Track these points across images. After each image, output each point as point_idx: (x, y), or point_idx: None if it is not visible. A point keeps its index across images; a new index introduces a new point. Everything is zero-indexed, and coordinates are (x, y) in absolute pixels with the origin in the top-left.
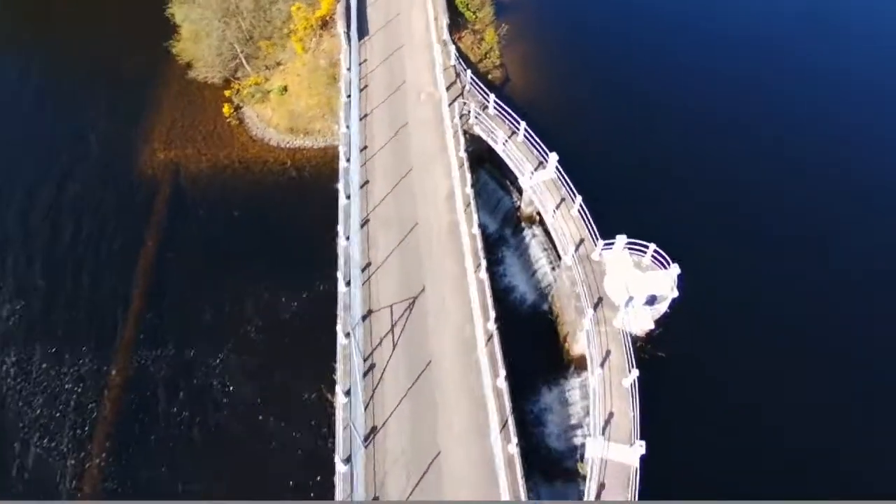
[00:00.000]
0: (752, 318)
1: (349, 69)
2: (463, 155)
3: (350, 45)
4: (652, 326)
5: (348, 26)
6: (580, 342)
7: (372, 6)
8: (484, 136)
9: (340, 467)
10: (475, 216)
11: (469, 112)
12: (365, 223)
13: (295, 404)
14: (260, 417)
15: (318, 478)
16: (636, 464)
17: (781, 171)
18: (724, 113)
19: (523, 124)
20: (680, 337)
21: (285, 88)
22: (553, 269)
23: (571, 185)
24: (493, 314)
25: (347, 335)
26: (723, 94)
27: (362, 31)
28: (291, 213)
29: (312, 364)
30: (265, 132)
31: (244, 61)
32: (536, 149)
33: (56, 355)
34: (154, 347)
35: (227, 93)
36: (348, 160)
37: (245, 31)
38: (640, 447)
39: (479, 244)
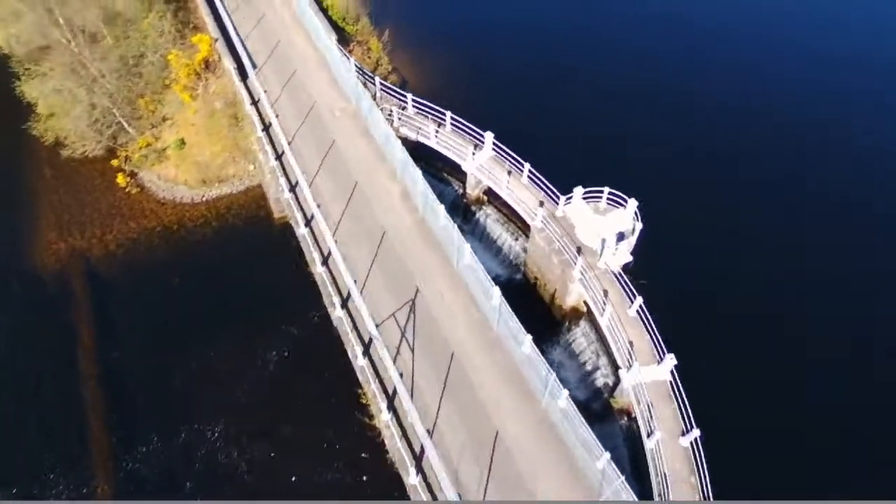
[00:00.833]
0: (712, 233)
1: (253, 104)
2: (403, 155)
3: (245, 80)
4: (630, 258)
5: (238, 61)
6: (573, 294)
7: (249, 39)
8: (412, 135)
9: (413, 479)
10: (440, 208)
11: (392, 114)
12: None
13: (313, 447)
14: (282, 471)
15: None
16: (669, 377)
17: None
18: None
19: (449, 114)
20: (653, 263)
21: (183, 142)
22: (517, 239)
23: (515, 156)
24: (495, 290)
25: (366, 353)
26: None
27: (251, 64)
28: (233, 263)
29: (315, 403)
30: (174, 192)
31: (125, 124)
32: (468, 133)
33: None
34: (135, 447)
35: (113, 163)
36: (292, 190)
37: (114, 94)
38: (671, 360)
39: (456, 232)
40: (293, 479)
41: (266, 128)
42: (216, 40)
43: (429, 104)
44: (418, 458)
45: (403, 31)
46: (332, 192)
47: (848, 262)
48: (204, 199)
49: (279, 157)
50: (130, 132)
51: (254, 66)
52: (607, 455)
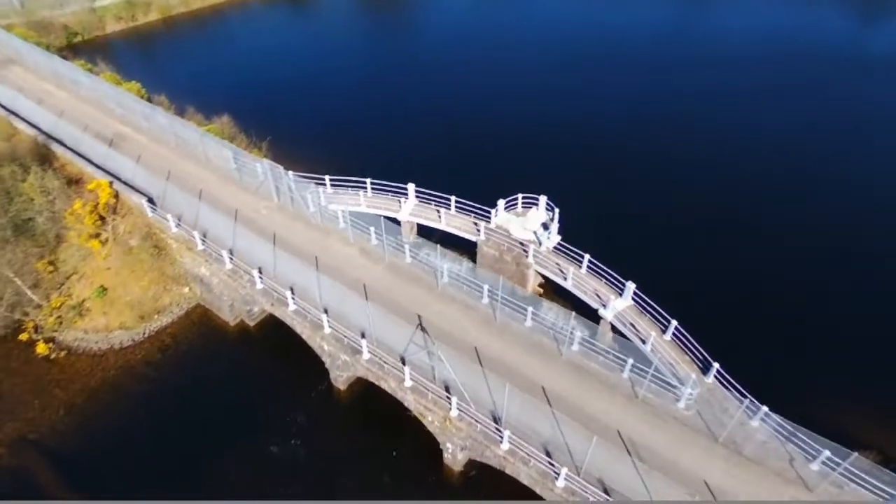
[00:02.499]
0: (609, 200)
1: (178, 225)
2: (345, 223)
3: (156, 209)
4: (559, 238)
5: (147, 196)
6: (530, 280)
7: (137, 178)
8: (341, 207)
9: (504, 445)
10: (406, 249)
11: (318, 195)
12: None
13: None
14: None
15: None
16: (631, 301)
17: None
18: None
19: (368, 181)
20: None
21: (103, 288)
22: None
23: (438, 195)
24: (485, 290)
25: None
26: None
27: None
28: (208, 381)
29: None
30: (110, 340)
31: (27, 292)
32: (391, 191)
33: None
34: None
35: (21, 337)
36: (260, 280)
37: (13, 262)
38: (631, 287)
39: (436, 262)
40: None
41: (203, 240)
42: (111, 183)
43: (344, 178)
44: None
45: (281, 137)
46: (299, 270)
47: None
48: (146, 334)
49: (231, 257)
50: (34, 299)
51: (160, 195)
52: (630, 360)
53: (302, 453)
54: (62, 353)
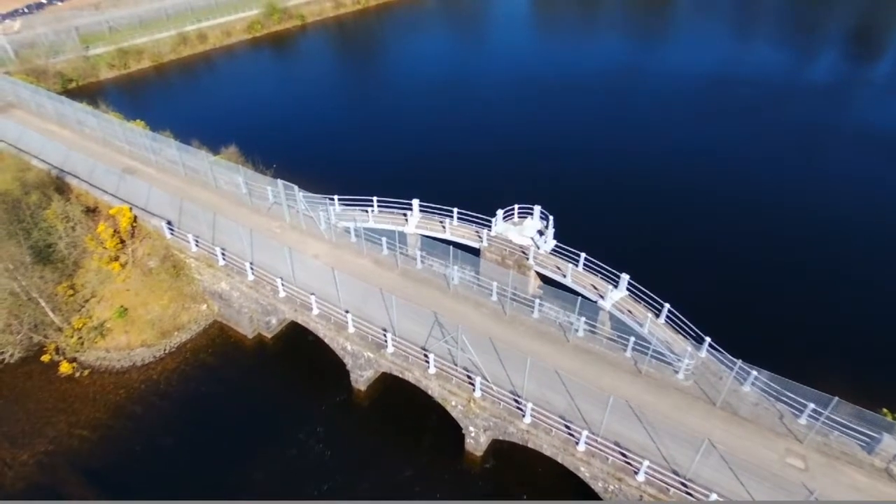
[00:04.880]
0: (599, 207)
1: (197, 245)
2: (357, 238)
3: (174, 231)
4: (555, 243)
5: (165, 220)
6: (531, 280)
7: (150, 205)
8: (351, 224)
9: (527, 419)
10: (418, 256)
11: (328, 213)
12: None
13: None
14: None
15: None
16: (626, 292)
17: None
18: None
19: (375, 199)
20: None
21: (124, 309)
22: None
23: (441, 207)
24: (493, 287)
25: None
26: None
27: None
28: (229, 399)
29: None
30: (132, 357)
31: (50, 315)
32: (397, 208)
33: None
34: None
35: (44, 359)
36: (283, 288)
37: (25, 290)
38: (625, 279)
39: (447, 270)
40: None
41: (223, 255)
42: (131, 208)
43: (351, 197)
44: (520, 400)
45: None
46: (317, 279)
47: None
48: (167, 350)
49: (252, 266)
50: (55, 321)
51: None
52: (632, 339)
53: (327, 455)
54: (85, 372)
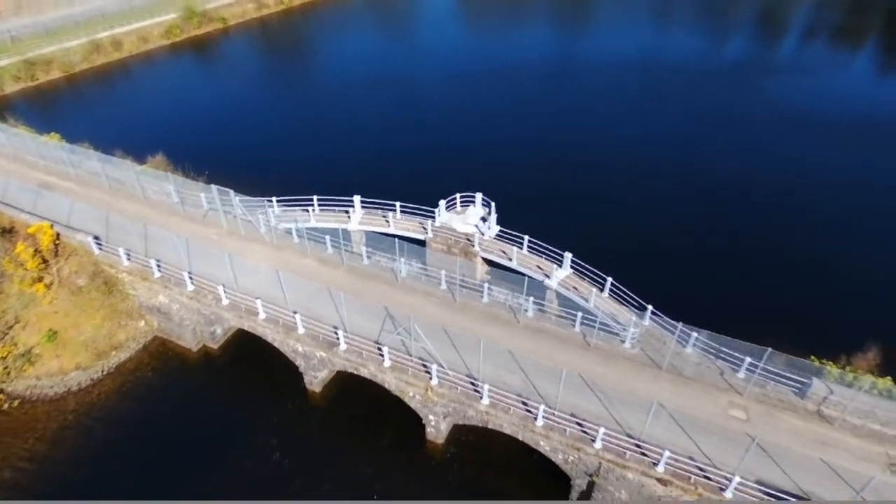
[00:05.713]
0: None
1: (130, 258)
2: (301, 239)
3: (103, 246)
4: (499, 228)
5: (93, 235)
6: (478, 266)
7: (72, 220)
8: (291, 225)
9: (485, 399)
10: (363, 251)
11: (267, 216)
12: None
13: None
14: None
15: None
16: (570, 270)
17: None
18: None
19: (315, 198)
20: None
21: (54, 332)
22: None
23: (382, 202)
24: (442, 276)
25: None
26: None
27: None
28: (177, 416)
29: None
30: (66, 382)
31: None
32: (338, 205)
33: None
34: None
35: None
36: (226, 295)
37: None
38: (568, 257)
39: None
40: None
41: (158, 266)
42: (52, 225)
43: (290, 198)
44: (481, 390)
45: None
46: (261, 283)
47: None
48: (105, 372)
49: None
50: None
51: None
52: (580, 314)
53: (285, 462)
54: (15, 403)
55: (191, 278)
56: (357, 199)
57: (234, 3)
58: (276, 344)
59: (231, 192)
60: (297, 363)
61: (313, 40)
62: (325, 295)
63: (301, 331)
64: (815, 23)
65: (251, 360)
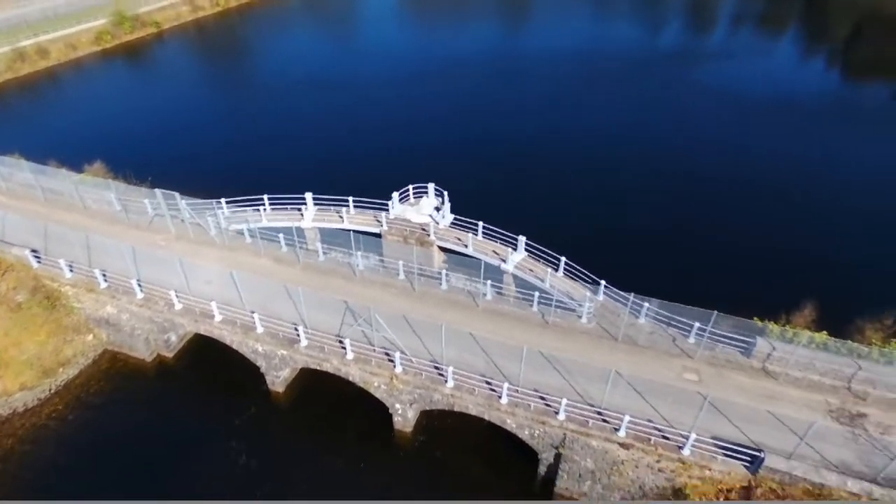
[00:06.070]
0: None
1: (72, 270)
2: (253, 239)
3: (42, 259)
4: (453, 216)
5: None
6: (434, 255)
7: (15, 231)
8: (242, 226)
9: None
10: (319, 248)
11: (217, 218)
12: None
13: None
14: None
15: None
16: (525, 253)
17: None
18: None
19: (265, 197)
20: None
21: None
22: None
23: (336, 198)
24: (400, 266)
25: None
26: None
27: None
28: (134, 431)
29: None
30: (12, 403)
31: None
32: (289, 205)
33: None
34: None
35: None
36: (179, 300)
37: None
38: (523, 241)
39: (351, 259)
40: None
41: (106, 276)
42: None
43: (240, 199)
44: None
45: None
46: (215, 285)
47: None
48: (53, 390)
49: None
50: None
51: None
52: (537, 294)
53: (252, 467)
54: None
55: (140, 286)
56: (309, 196)
57: (167, 6)
58: (234, 346)
59: (177, 195)
60: (257, 363)
61: (252, 42)
62: (283, 293)
63: (260, 330)
64: (740, 12)
65: (209, 364)
